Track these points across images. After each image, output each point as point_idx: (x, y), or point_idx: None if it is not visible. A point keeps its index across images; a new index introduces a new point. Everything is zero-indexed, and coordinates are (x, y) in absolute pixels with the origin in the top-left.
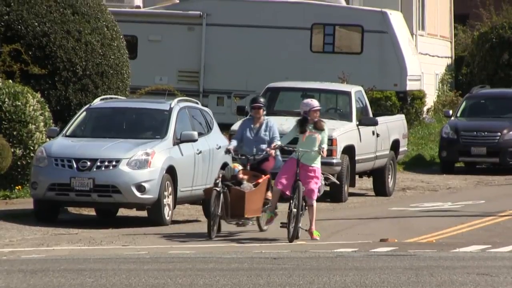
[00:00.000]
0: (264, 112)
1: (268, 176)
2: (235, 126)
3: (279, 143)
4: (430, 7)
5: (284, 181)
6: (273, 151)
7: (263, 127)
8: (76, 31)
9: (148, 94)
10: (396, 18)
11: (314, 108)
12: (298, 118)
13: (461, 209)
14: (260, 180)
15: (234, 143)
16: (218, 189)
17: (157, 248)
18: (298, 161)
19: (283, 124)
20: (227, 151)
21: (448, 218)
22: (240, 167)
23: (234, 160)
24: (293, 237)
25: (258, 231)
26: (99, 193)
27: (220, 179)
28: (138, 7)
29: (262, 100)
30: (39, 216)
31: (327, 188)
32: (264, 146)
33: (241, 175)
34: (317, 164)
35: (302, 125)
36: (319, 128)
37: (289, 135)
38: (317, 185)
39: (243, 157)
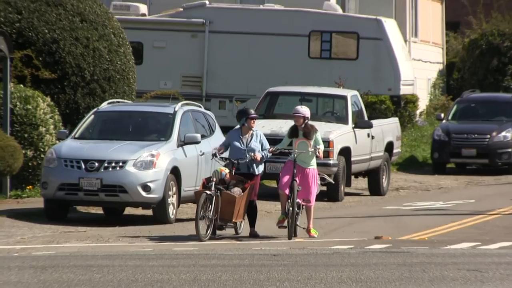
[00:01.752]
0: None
1: (253, 181)
2: None
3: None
4: (423, 15)
5: (286, 182)
6: (258, 156)
7: (254, 137)
8: (84, 38)
9: (153, 98)
10: (390, 26)
11: (297, 114)
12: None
13: (452, 208)
14: (247, 185)
15: (219, 147)
16: (208, 192)
17: (161, 245)
18: (295, 162)
19: (282, 127)
20: (214, 155)
21: (440, 217)
22: (227, 171)
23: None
24: (291, 234)
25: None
26: (107, 193)
27: (213, 182)
28: (144, 15)
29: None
30: (49, 215)
31: (324, 188)
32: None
33: (228, 178)
34: (313, 166)
35: (292, 131)
36: (306, 136)
37: (284, 142)
38: (314, 191)
39: (227, 161)
